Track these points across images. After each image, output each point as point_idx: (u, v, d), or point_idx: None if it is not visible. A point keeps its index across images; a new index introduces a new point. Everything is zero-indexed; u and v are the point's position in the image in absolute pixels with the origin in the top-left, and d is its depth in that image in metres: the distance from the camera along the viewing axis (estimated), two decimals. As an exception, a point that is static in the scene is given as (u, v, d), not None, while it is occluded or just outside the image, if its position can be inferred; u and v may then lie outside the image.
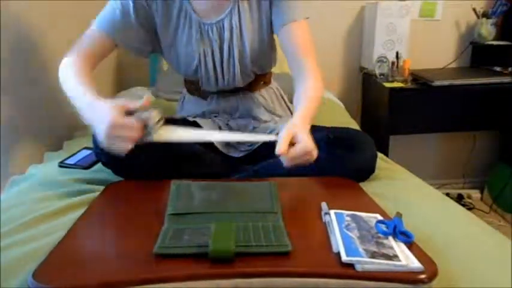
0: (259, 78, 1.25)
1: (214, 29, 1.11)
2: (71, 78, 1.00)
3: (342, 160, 1.01)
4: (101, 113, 0.85)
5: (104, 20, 1.08)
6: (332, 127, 1.14)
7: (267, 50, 1.18)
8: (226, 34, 1.12)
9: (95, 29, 1.08)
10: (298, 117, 0.96)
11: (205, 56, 1.14)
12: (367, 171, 1.05)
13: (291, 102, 1.38)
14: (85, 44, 1.07)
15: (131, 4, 1.07)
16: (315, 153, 0.89)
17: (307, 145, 0.87)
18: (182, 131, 0.92)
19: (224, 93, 1.24)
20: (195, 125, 1.20)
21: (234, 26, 1.11)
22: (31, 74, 1.37)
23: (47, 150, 1.37)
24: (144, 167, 0.99)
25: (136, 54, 1.16)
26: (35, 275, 0.60)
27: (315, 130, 1.06)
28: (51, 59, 1.52)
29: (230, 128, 1.22)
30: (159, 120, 0.88)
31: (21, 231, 0.78)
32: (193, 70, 1.17)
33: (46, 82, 1.43)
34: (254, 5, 1.12)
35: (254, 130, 1.22)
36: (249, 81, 1.22)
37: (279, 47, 1.17)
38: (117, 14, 1.07)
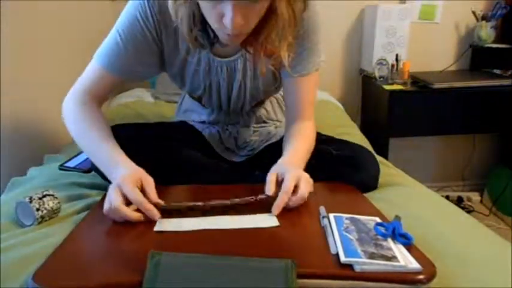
0: (265, 98, 1.22)
1: (225, 67, 1.03)
2: (87, 130, 0.94)
3: (343, 177, 1.01)
4: (114, 187, 0.80)
5: (107, 56, 0.97)
6: (336, 139, 1.14)
7: (279, 81, 1.11)
8: (238, 75, 1.04)
9: (99, 66, 0.98)
10: (289, 162, 0.92)
11: (210, 89, 1.09)
12: (369, 188, 1.04)
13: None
14: (90, 81, 0.99)
15: (138, 34, 0.95)
16: (309, 188, 0.85)
17: (302, 195, 0.83)
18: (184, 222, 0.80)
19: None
20: (193, 130, 1.20)
21: (248, 67, 1.03)
22: (32, 75, 1.37)
23: (47, 152, 1.37)
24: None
25: (139, 79, 1.09)
26: (35, 277, 0.60)
27: (318, 141, 1.06)
28: (51, 62, 1.53)
29: (229, 133, 1.21)
30: (54, 210, 0.85)
31: (22, 234, 0.78)
32: (198, 95, 1.14)
33: (47, 83, 1.44)
34: None
35: (254, 134, 1.22)
36: (255, 103, 1.19)
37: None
38: (123, 47, 0.95)
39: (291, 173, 0.84)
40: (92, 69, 0.99)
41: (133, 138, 1.02)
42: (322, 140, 1.11)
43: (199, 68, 1.03)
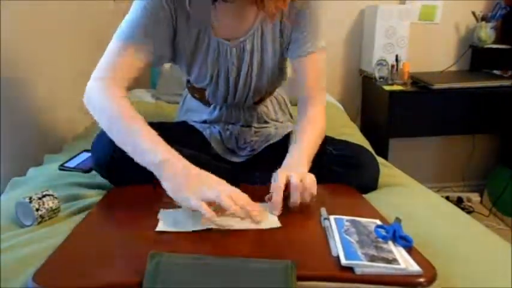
0: (267, 93, 1.23)
1: (234, 50, 1.05)
2: (121, 121, 0.89)
3: (344, 178, 1.01)
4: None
5: (126, 29, 0.95)
6: (336, 140, 1.14)
7: (284, 69, 1.16)
8: (246, 56, 1.06)
9: (120, 43, 0.95)
10: (292, 164, 0.92)
11: (218, 77, 1.10)
12: (368, 189, 1.05)
13: (293, 104, 1.38)
14: (112, 64, 0.95)
15: (157, 8, 0.95)
16: (314, 189, 0.85)
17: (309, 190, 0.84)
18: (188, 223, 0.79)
19: (228, 106, 1.21)
20: (194, 130, 1.20)
21: (255, 48, 1.06)
22: (33, 76, 1.37)
23: (47, 152, 1.37)
24: (143, 173, 0.99)
25: (158, 63, 1.06)
26: (35, 277, 0.60)
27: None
28: (52, 62, 1.53)
29: (230, 133, 1.20)
30: (53, 210, 0.85)
31: (22, 234, 0.78)
32: (204, 86, 1.14)
33: (47, 84, 1.44)
34: (277, 27, 1.06)
35: (254, 134, 1.21)
36: (258, 98, 1.20)
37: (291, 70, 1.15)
38: (145, 16, 0.95)
39: (296, 174, 0.85)
40: (112, 49, 0.96)
41: None
42: (322, 141, 1.11)
43: (208, 55, 1.05)
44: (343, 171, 1.02)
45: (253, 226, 0.76)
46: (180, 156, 0.85)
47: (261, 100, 1.23)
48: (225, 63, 1.07)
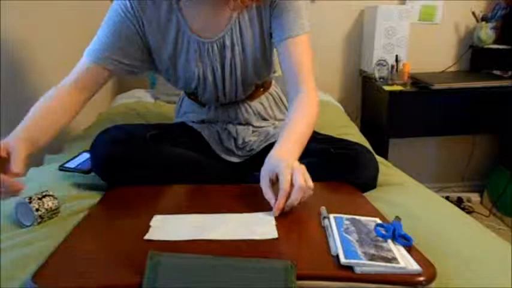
0: (259, 87, 1.23)
1: (215, 46, 1.07)
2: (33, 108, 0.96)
3: (343, 175, 1.01)
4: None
5: (92, 48, 1.03)
6: (335, 138, 1.14)
7: (268, 59, 1.15)
8: (228, 51, 1.07)
9: (85, 59, 1.03)
10: (281, 157, 0.87)
11: (204, 76, 1.10)
12: (367, 187, 1.04)
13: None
14: (76, 73, 1.02)
15: (119, 23, 1.03)
16: (310, 186, 0.82)
17: (301, 191, 0.80)
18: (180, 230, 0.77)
19: (223, 104, 1.21)
20: (193, 131, 1.20)
21: (235, 42, 1.07)
22: (32, 76, 1.37)
23: (47, 152, 1.37)
24: (143, 183, 0.99)
25: (127, 73, 1.10)
26: (35, 277, 0.60)
27: (317, 141, 1.06)
28: (51, 62, 1.53)
29: (228, 133, 1.21)
30: (53, 210, 0.85)
31: (22, 234, 0.78)
32: (192, 88, 1.15)
33: (47, 84, 1.44)
34: (255, 16, 1.06)
35: (253, 134, 1.22)
36: (250, 92, 1.20)
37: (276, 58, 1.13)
38: (106, 36, 1.03)
39: (283, 169, 0.81)
40: (81, 62, 1.03)
41: (132, 138, 1.02)
42: (321, 140, 1.11)
43: (189, 56, 1.07)
44: (343, 169, 1.02)
45: (248, 236, 0.72)
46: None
47: (255, 96, 1.23)
48: (209, 61, 1.08)
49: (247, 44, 1.07)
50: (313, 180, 0.83)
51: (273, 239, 0.72)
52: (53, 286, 0.59)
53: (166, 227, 0.77)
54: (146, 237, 0.73)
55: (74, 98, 1.01)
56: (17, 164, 0.79)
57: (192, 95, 1.23)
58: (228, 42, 1.07)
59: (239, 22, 1.06)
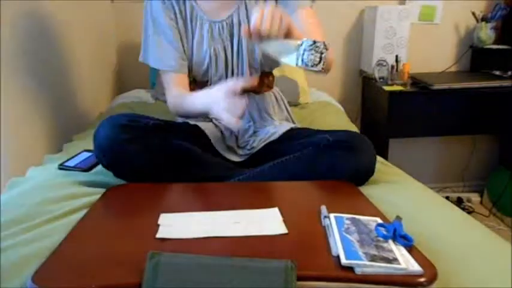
0: (263, 79, 1.26)
1: (225, 25, 1.17)
2: (183, 100, 1.15)
3: (342, 161, 1.01)
4: (216, 92, 0.98)
5: (161, 61, 1.19)
6: (331, 130, 1.14)
7: None
8: (235, 29, 1.17)
9: (163, 73, 1.21)
10: None
11: (216, 55, 1.18)
12: (367, 172, 1.05)
13: (291, 105, 1.40)
14: (172, 83, 1.20)
15: (163, 21, 1.16)
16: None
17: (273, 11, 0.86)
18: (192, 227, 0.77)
19: None
20: (196, 129, 1.20)
21: (241, 20, 1.17)
22: (33, 76, 1.37)
23: (47, 152, 1.37)
24: (144, 170, 1.00)
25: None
26: (35, 277, 0.60)
27: (315, 134, 1.07)
28: (51, 62, 1.53)
29: (230, 132, 1.22)
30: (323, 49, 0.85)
31: (21, 234, 0.78)
32: (204, 70, 1.20)
33: (47, 84, 1.44)
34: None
35: (254, 134, 1.22)
36: (257, 75, 1.24)
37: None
38: (164, 41, 1.17)
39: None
40: (164, 79, 1.23)
41: (136, 124, 1.02)
42: (318, 131, 1.13)
43: (202, 35, 1.17)
44: (340, 154, 1.01)
45: (256, 232, 0.73)
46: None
47: (259, 88, 1.26)
48: (220, 40, 1.18)
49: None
50: (312, 171, 0.85)
51: (283, 234, 0.73)
52: (53, 286, 0.59)
53: (176, 225, 0.77)
54: (158, 235, 0.72)
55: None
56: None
57: (200, 85, 1.23)
58: (235, 20, 1.17)
59: (246, 4, 1.17)
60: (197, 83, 1.27)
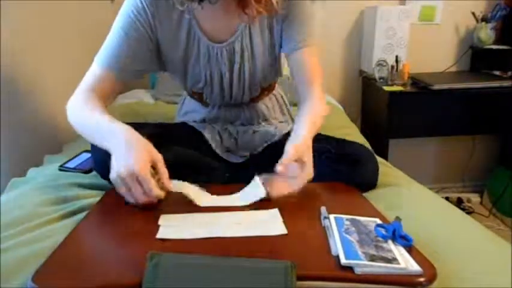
0: (264, 90, 1.23)
1: (224, 51, 1.07)
2: (86, 112, 0.94)
3: (343, 175, 1.01)
4: (129, 151, 0.82)
5: (106, 57, 1.00)
6: (334, 138, 1.14)
7: (276, 65, 1.16)
8: (237, 57, 1.08)
9: (99, 67, 1.00)
10: (303, 136, 0.92)
11: (211, 79, 1.12)
12: (368, 186, 1.05)
13: (292, 105, 1.39)
14: (93, 82, 0.99)
15: (130, 27, 1.00)
16: (310, 177, 0.89)
17: (308, 172, 0.88)
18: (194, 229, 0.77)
19: (227, 104, 1.22)
20: (194, 130, 1.20)
21: (245, 48, 1.07)
22: (32, 76, 1.37)
23: (47, 152, 1.37)
24: None
25: (136, 78, 1.08)
26: (35, 277, 0.60)
27: (317, 140, 1.07)
28: (50, 63, 1.53)
29: (229, 133, 1.21)
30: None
31: (21, 234, 0.78)
32: (199, 88, 1.16)
33: (47, 84, 1.44)
34: (265, 25, 1.07)
35: (254, 134, 1.22)
36: (255, 95, 1.21)
37: (287, 66, 1.14)
38: (118, 42, 1.00)
39: (309, 158, 0.88)
40: (93, 70, 1.01)
41: None
42: (321, 139, 1.11)
43: (199, 59, 1.08)
44: (343, 168, 1.02)
45: (257, 233, 0.73)
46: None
47: (260, 98, 1.23)
48: (217, 66, 1.09)
49: (257, 50, 1.08)
50: (313, 180, 0.86)
51: (283, 235, 0.73)
52: (53, 286, 0.59)
53: (177, 225, 0.77)
54: (158, 236, 0.72)
55: (99, 101, 0.98)
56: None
57: (197, 95, 1.23)
58: (237, 48, 1.07)
59: (249, 28, 1.06)
60: (193, 93, 1.25)
